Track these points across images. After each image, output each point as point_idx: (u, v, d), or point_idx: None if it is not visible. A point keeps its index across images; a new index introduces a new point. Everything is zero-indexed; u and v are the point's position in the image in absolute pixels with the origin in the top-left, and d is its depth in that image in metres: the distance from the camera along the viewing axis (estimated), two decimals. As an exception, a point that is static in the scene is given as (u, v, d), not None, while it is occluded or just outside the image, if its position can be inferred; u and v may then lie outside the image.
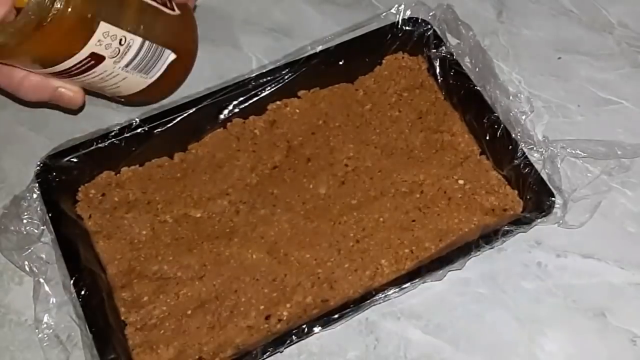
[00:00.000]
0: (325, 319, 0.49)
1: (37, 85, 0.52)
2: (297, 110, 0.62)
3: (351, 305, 0.50)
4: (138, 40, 0.50)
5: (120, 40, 0.49)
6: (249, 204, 0.57)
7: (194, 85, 0.60)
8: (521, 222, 0.53)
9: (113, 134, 0.57)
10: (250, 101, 0.60)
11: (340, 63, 0.62)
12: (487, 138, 0.58)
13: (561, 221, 0.55)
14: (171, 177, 0.59)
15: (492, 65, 0.60)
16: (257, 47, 0.68)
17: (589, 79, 0.66)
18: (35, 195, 0.55)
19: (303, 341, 0.51)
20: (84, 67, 0.49)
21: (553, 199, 0.54)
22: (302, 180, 0.58)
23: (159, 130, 0.58)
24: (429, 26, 0.62)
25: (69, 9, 0.44)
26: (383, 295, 0.50)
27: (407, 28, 0.63)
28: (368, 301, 0.50)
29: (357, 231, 0.55)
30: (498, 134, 0.57)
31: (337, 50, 0.62)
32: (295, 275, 0.54)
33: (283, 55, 0.61)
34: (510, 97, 0.59)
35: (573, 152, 0.57)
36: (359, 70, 0.64)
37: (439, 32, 0.62)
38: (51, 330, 0.52)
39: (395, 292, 0.51)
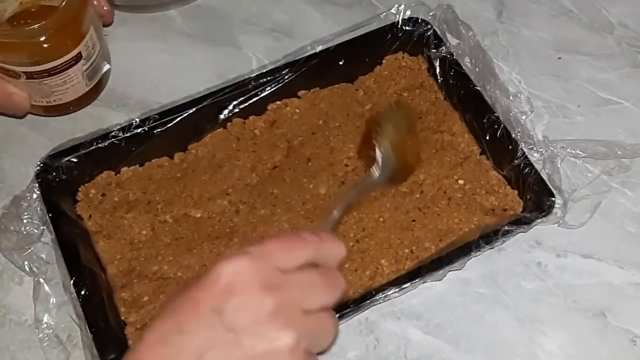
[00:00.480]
0: (325, 319, 0.49)
1: None
2: (297, 110, 0.62)
3: (351, 305, 0.50)
4: (98, 46, 0.59)
5: (93, 45, 0.58)
6: (249, 204, 0.57)
7: (194, 85, 0.60)
8: (521, 222, 0.53)
9: (113, 134, 0.57)
10: (250, 101, 0.60)
11: (340, 63, 0.62)
12: (487, 138, 0.58)
13: (561, 221, 0.55)
14: (171, 177, 0.59)
15: (492, 65, 0.60)
16: (257, 47, 0.68)
17: (589, 79, 0.66)
18: (35, 195, 0.55)
19: (303, 341, 0.51)
20: (65, 66, 0.55)
21: (553, 199, 0.54)
22: (302, 180, 0.58)
23: (159, 130, 0.58)
24: (429, 26, 0.62)
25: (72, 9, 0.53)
26: (383, 295, 0.50)
27: (407, 28, 0.63)
28: (368, 301, 0.50)
29: (357, 231, 0.55)
30: (498, 134, 0.57)
31: (337, 50, 0.62)
32: None
33: (283, 55, 0.62)
34: (510, 97, 0.59)
35: (573, 152, 0.57)
36: (359, 70, 0.64)
37: (439, 32, 0.62)
38: (51, 330, 0.52)
39: (395, 292, 0.51)
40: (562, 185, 0.55)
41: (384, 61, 0.64)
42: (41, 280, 0.53)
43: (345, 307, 0.50)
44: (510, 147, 0.56)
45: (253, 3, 0.71)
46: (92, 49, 0.58)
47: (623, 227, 0.58)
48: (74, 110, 0.62)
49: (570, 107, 0.64)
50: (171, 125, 0.58)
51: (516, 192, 0.57)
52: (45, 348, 0.52)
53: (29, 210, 0.54)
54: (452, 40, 0.63)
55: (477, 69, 0.60)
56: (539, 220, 0.53)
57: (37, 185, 0.55)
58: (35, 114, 0.61)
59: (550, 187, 0.54)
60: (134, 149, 0.58)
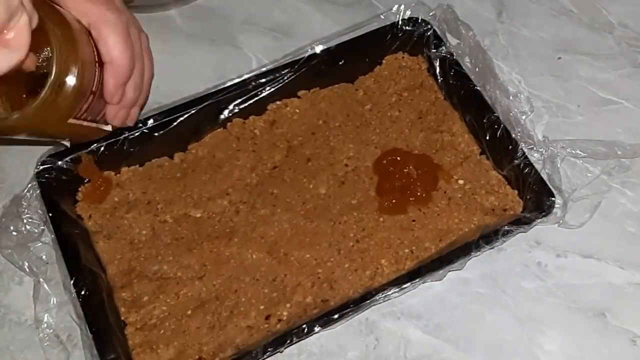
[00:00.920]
0: (325, 319, 0.49)
1: None
2: (297, 110, 0.62)
3: (351, 305, 0.50)
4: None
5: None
6: (249, 204, 0.57)
7: (194, 85, 0.60)
8: (521, 222, 0.53)
9: (113, 134, 0.57)
10: (250, 101, 0.60)
11: (340, 63, 0.62)
12: (487, 138, 0.58)
13: (561, 221, 0.55)
14: (171, 177, 0.59)
15: (492, 65, 0.60)
16: (257, 47, 0.68)
17: (588, 78, 0.66)
18: (35, 195, 0.55)
19: (303, 341, 0.51)
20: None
21: (553, 199, 0.54)
22: (302, 180, 0.58)
23: (159, 130, 0.58)
24: (429, 26, 0.62)
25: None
26: (383, 295, 0.50)
27: (407, 28, 0.63)
28: (368, 301, 0.50)
29: (357, 231, 0.55)
30: (498, 134, 0.57)
31: (337, 50, 0.62)
32: (295, 275, 0.54)
33: (283, 55, 0.61)
34: (510, 97, 0.59)
35: (573, 152, 0.57)
36: (359, 70, 0.64)
37: (439, 32, 0.62)
38: (51, 330, 0.52)
39: (395, 292, 0.51)
40: (562, 185, 0.55)
41: (384, 61, 0.64)
42: (41, 280, 0.53)
43: (345, 307, 0.50)
44: (510, 147, 0.56)
45: (253, 3, 0.71)
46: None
47: (623, 227, 0.58)
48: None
49: (570, 107, 0.64)
50: (171, 126, 0.58)
51: (516, 192, 0.57)
52: (45, 348, 0.52)
53: (29, 210, 0.54)
54: (452, 40, 0.63)
55: (477, 69, 0.60)
56: (539, 220, 0.53)
57: (37, 185, 0.55)
58: None
59: (550, 187, 0.54)
60: (134, 149, 0.58)
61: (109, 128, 0.54)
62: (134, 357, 0.50)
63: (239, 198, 0.57)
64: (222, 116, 0.60)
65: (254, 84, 0.60)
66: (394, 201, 0.56)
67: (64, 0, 0.48)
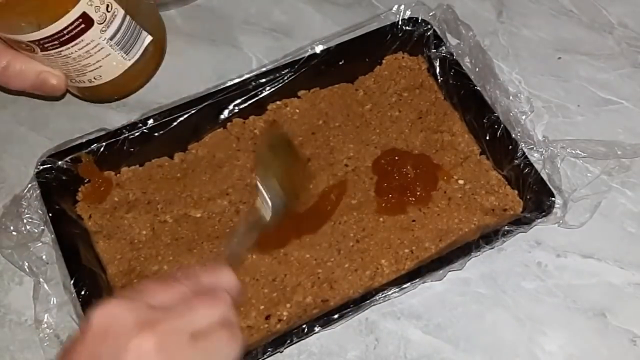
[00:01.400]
0: (325, 319, 0.49)
1: (20, 71, 0.51)
2: (297, 110, 0.62)
3: (351, 305, 0.50)
4: (121, 11, 0.51)
5: (108, 5, 0.49)
6: (249, 204, 0.57)
7: (194, 85, 0.60)
8: (521, 222, 0.53)
9: (113, 134, 0.57)
10: (250, 101, 0.60)
11: (340, 63, 0.62)
12: (487, 138, 0.58)
13: (561, 221, 0.55)
14: (171, 177, 0.59)
15: (492, 65, 0.60)
16: (257, 47, 0.68)
17: (589, 79, 0.66)
18: (35, 195, 0.55)
19: (303, 341, 0.51)
20: (74, 31, 0.49)
21: (553, 199, 0.54)
22: (302, 180, 0.58)
23: (159, 130, 0.58)
24: (429, 26, 0.62)
25: None
26: (383, 295, 0.50)
27: (407, 28, 0.63)
28: (368, 301, 0.50)
29: (357, 231, 0.55)
30: (498, 134, 0.57)
31: (337, 50, 0.62)
32: (295, 275, 0.54)
33: (283, 55, 0.61)
34: (510, 97, 0.59)
35: (573, 152, 0.57)
36: (359, 70, 0.64)
37: (439, 32, 0.62)
38: (51, 330, 0.52)
39: (395, 292, 0.51)
40: (562, 185, 0.55)
41: (384, 61, 0.64)
42: (41, 280, 0.53)
43: (345, 307, 0.50)
44: (510, 147, 0.56)
45: (253, 3, 0.71)
46: (107, 11, 0.50)
47: (623, 227, 0.58)
48: (132, 91, 0.57)
49: (570, 107, 0.64)
50: (171, 126, 0.58)
51: (516, 192, 0.57)
52: (45, 348, 0.52)
53: (29, 210, 0.54)
54: (452, 40, 0.63)
55: (477, 69, 0.60)
56: (539, 220, 0.53)
57: (37, 185, 0.55)
58: (91, 101, 0.58)
59: (550, 187, 0.54)
60: (133, 149, 0.58)
61: None
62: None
63: (239, 198, 0.57)
64: (222, 116, 0.60)
65: (254, 84, 0.60)
66: (393, 201, 0.56)
67: None
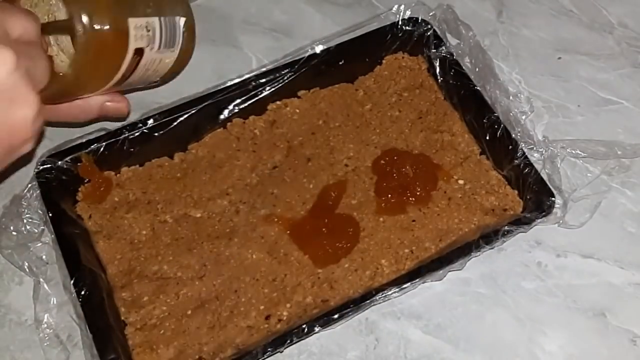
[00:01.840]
0: (325, 319, 0.49)
1: (83, 106, 0.52)
2: (297, 110, 0.62)
3: (351, 305, 0.50)
4: (157, 21, 0.52)
5: (146, 27, 0.51)
6: (249, 204, 0.57)
7: (194, 85, 0.60)
8: (521, 222, 0.53)
9: (113, 134, 0.57)
10: (250, 101, 0.60)
11: (340, 63, 0.62)
12: (487, 138, 0.58)
13: (561, 221, 0.55)
14: (171, 177, 0.59)
15: (492, 65, 0.60)
16: (257, 47, 0.68)
17: (589, 79, 0.66)
18: (35, 195, 0.55)
19: (303, 341, 0.51)
20: (133, 66, 0.51)
21: (553, 199, 0.54)
22: (302, 180, 0.58)
23: (159, 130, 0.58)
24: (429, 26, 0.62)
25: (106, 25, 0.47)
26: (383, 295, 0.50)
27: (407, 28, 0.63)
28: (368, 301, 0.50)
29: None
30: (498, 134, 0.57)
31: (337, 50, 0.62)
32: (295, 275, 0.54)
33: (283, 55, 0.61)
34: (510, 97, 0.59)
35: (573, 152, 0.57)
36: (359, 70, 0.64)
37: (439, 32, 0.62)
38: (51, 330, 0.52)
39: (395, 292, 0.51)
40: (562, 185, 0.55)
41: (384, 61, 0.64)
42: (41, 280, 0.53)
43: (345, 307, 0.50)
44: (510, 147, 0.56)
45: (253, 3, 0.71)
46: (148, 30, 0.51)
47: (623, 227, 0.58)
48: (184, 66, 0.58)
49: (570, 107, 0.64)
50: (171, 126, 0.58)
51: (516, 192, 0.57)
52: (45, 348, 0.52)
53: (29, 210, 0.54)
54: (452, 40, 0.63)
55: (477, 69, 0.60)
56: (539, 220, 0.53)
57: (37, 185, 0.55)
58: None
59: (550, 187, 0.54)
60: (133, 149, 0.58)
61: None
62: (134, 357, 0.50)
63: (239, 198, 0.57)
64: (222, 116, 0.60)
65: (254, 84, 0.60)
66: (392, 201, 0.56)
67: None
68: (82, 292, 0.50)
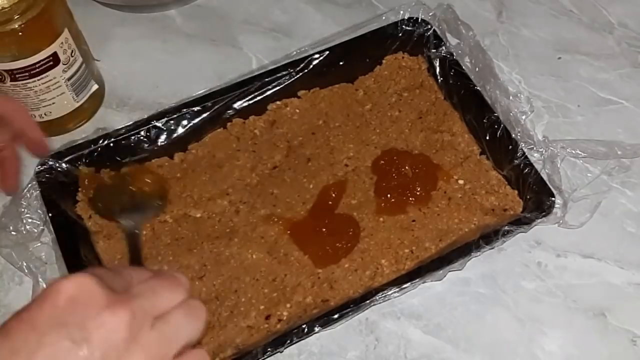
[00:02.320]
0: (325, 319, 0.49)
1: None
2: (297, 110, 0.62)
3: (351, 305, 0.50)
4: (80, 59, 0.59)
5: (72, 51, 0.58)
6: (249, 204, 0.57)
7: (194, 85, 0.60)
8: (521, 222, 0.53)
9: (113, 134, 0.57)
10: (250, 101, 0.60)
11: (340, 63, 0.62)
12: (487, 138, 0.58)
13: (561, 221, 0.55)
14: (171, 177, 0.59)
15: (492, 65, 0.60)
16: (257, 47, 0.68)
17: (589, 79, 0.66)
18: (35, 195, 0.55)
19: (303, 341, 0.51)
20: (44, 66, 0.56)
21: (553, 199, 0.54)
22: (302, 180, 0.58)
23: (160, 130, 0.58)
24: (429, 26, 0.62)
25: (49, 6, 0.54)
26: (383, 295, 0.50)
27: (407, 28, 0.63)
28: (368, 301, 0.50)
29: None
30: (498, 134, 0.57)
31: (337, 50, 0.62)
32: (295, 275, 0.54)
33: (283, 55, 0.61)
34: (510, 97, 0.59)
35: (573, 152, 0.57)
36: (359, 70, 0.64)
37: (438, 32, 0.62)
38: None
39: (395, 292, 0.51)
40: (562, 185, 0.55)
41: (384, 61, 0.64)
42: (40, 280, 0.53)
43: (345, 307, 0.50)
44: (510, 147, 0.56)
45: (253, 3, 0.71)
46: (71, 56, 0.58)
47: (623, 227, 0.58)
48: (67, 130, 0.61)
49: (570, 107, 0.64)
50: (171, 126, 0.58)
51: (516, 192, 0.57)
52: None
53: (28, 210, 0.54)
54: (452, 40, 0.63)
55: (477, 69, 0.60)
56: (539, 220, 0.53)
57: (37, 185, 0.55)
58: None
59: (550, 187, 0.54)
60: (134, 149, 0.58)
61: None
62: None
63: (239, 198, 0.57)
64: (222, 116, 0.60)
65: (253, 84, 0.60)
66: (392, 201, 0.56)
67: None
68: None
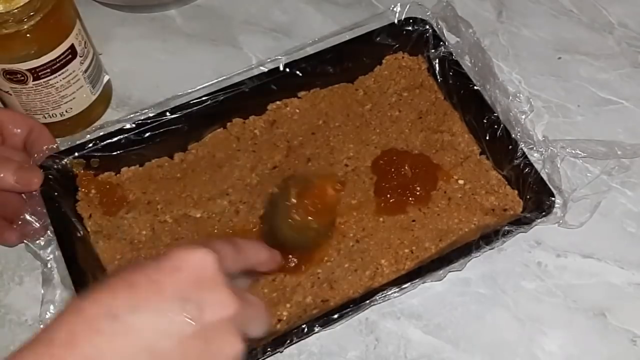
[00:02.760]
0: (325, 319, 0.49)
1: None
2: (297, 110, 0.62)
3: (351, 305, 0.50)
4: (92, 50, 0.60)
5: (85, 42, 0.58)
6: (249, 204, 0.57)
7: (194, 85, 0.60)
8: (521, 222, 0.53)
9: (113, 134, 0.57)
10: (250, 101, 0.60)
11: (340, 63, 0.62)
12: (487, 138, 0.58)
13: (561, 221, 0.55)
14: (171, 177, 0.59)
15: (491, 64, 0.60)
16: (257, 47, 0.68)
17: (589, 79, 0.66)
18: (35, 195, 0.54)
19: (303, 341, 0.51)
20: (63, 60, 0.56)
21: (553, 198, 0.54)
22: (302, 180, 0.58)
23: (159, 130, 0.58)
24: (429, 26, 0.62)
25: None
26: (383, 295, 0.50)
27: (406, 28, 0.63)
28: (368, 301, 0.50)
29: (357, 231, 0.55)
30: (498, 134, 0.57)
31: (337, 50, 0.62)
32: (296, 275, 0.54)
33: (283, 55, 0.61)
34: (510, 97, 0.59)
35: (573, 152, 0.57)
36: (359, 70, 0.64)
37: (438, 32, 0.62)
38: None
39: (395, 292, 0.50)
40: (562, 185, 0.55)
41: (384, 61, 0.64)
42: (40, 280, 0.53)
43: (345, 307, 0.50)
44: (510, 147, 0.56)
45: (253, 3, 0.71)
46: (85, 47, 0.58)
47: (623, 227, 0.58)
48: (85, 127, 0.60)
49: (570, 107, 0.64)
50: (171, 125, 0.58)
51: (516, 192, 0.57)
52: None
53: (29, 210, 0.54)
54: (451, 39, 0.63)
55: (476, 68, 0.60)
56: (539, 220, 0.53)
57: (37, 184, 0.55)
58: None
59: (550, 187, 0.54)
60: (133, 149, 0.58)
61: None
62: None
63: (239, 198, 0.57)
64: (222, 116, 0.60)
65: (253, 84, 0.60)
66: (392, 201, 0.56)
67: None
68: (82, 292, 0.50)
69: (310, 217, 0.54)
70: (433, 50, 0.62)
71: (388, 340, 0.53)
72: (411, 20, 0.62)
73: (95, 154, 0.57)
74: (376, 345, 0.53)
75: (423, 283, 0.53)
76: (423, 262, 0.53)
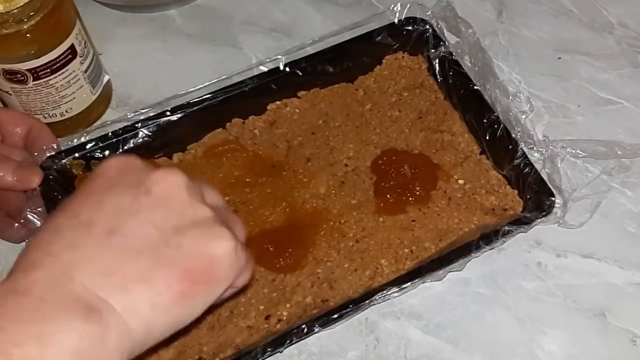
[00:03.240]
0: (325, 319, 0.49)
1: None
2: (297, 110, 0.62)
3: (351, 305, 0.50)
4: (92, 50, 0.60)
5: (85, 42, 0.58)
6: (248, 203, 0.57)
7: (194, 85, 0.60)
8: (521, 222, 0.53)
9: (113, 134, 0.57)
10: (250, 101, 0.60)
11: (340, 63, 0.62)
12: (487, 138, 0.58)
13: (561, 221, 0.55)
14: (171, 177, 0.58)
15: (491, 64, 0.60)
16: (257, 47, 0.68)
17: (589, 79, 0.66)
18: (35, 194, 0.54)
19: (303, 341, 0.51)
20: (64, 60, 0.56)
21: (553, 198, 0.54)
22: (302, 180, 0.58)
23: (159, 130, 0.58)
24: (429, 25, 0.62)
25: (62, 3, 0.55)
26: (383, 295, 0.50)
27: (406, 28, 0.63)
28: (368, 301, 0.50)
29: (357, 231, 0.55)
30: (498, 133, 0.57)
31: (337, 50, 0.62)
32: (295, 275, 0.54)
33: (283, 54, 0.61)
34: (510, 97, 0.59)
35: (573, 152, 0.57)
36: (359, 70, 0.64)
37: (438, 32, 0.62)
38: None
39: (395, 292, 0.50)
40: (562, 185, 0.55)
41: (384, 61, 0.64)
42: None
43: (345, 307, 0.50)
44: (510, 147, 0.56)
45: (253, 3, 0.71)
46: (85, 47, 0.58)
47: (623, 227, 0.58)
48: (85, 127, 0.60)
49: (570, 107, 0.64)
50: (171, 126, 0.58)
51: (516, 191, 0.57)
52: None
53: (29, 209, 0.54)
54: (451, 39, 0.63)
55: (476, 68, 0.60)
56: (539, 220, 0.53)
57: (37, 185, 0.55)
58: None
59: (550, 187, 0.54)
60: (133, 149, 0.58)
61: None
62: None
63: (238, 198, 0.57)
64: (221, 116, 0.60)
65: (253, 84, 0.60)
66: (392, 201, 0.56)
67: None
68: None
69: None
70: (433, 50, 0.62)
71: (388, 340, 0.53)
72: (411, 20, 0.62)
73: (96, 154, 0.57)
74: (376, 345, 0.53)
75: (423, 283, 0.53)
76: (423, 262, 0.53)
